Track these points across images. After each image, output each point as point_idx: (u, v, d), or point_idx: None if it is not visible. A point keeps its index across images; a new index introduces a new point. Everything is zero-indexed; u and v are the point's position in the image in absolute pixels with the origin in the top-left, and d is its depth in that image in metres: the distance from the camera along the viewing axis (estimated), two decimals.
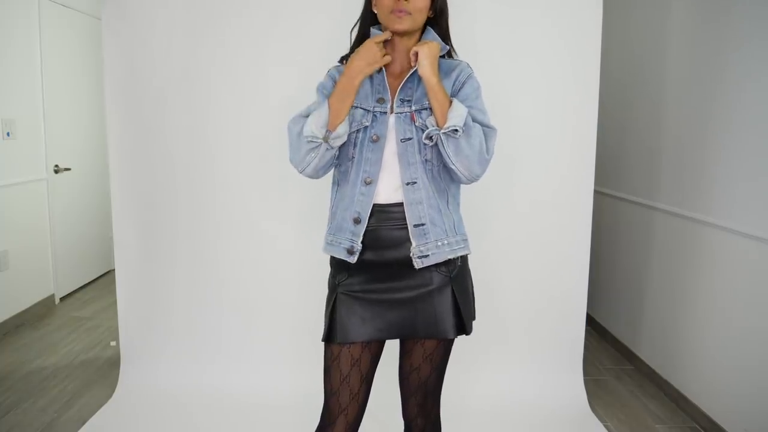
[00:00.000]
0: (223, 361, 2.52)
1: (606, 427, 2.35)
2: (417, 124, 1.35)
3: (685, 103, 2.57)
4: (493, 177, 2.39)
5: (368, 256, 1.38)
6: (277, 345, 2.51)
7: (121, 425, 2.29)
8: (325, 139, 1.32)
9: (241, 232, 2.45)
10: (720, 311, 2.31)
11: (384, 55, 1.35)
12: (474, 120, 1.35)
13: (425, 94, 1.36)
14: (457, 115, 1.30)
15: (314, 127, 1.32)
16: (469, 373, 2.45)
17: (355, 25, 1.47)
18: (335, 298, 1.40)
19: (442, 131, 1.30)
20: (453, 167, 1.35)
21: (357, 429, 1.44)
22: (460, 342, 2.41)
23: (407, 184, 1.35)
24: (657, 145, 2.80)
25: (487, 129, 1.37)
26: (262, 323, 2.50)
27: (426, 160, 1.36)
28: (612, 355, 3.11)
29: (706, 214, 2.38)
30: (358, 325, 1.38)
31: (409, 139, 1.35)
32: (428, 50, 1.31)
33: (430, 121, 1.33)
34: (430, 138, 1.33)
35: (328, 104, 1.33)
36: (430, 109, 1.34)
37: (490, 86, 2.32)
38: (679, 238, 2.60)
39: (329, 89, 1.40)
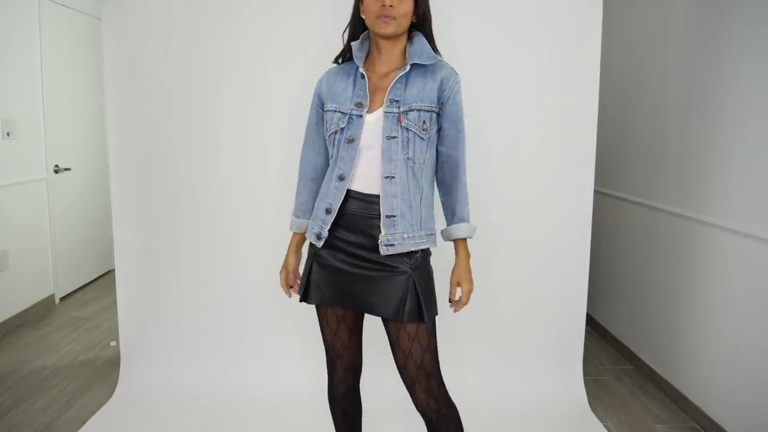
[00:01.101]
0: (222, 362, 2.52)
1: (606, 427, 2.35)
2: (403, 124, 1.46)
3: (685, 102, 2.57)
4: (493, 177, 2.41)
5: (343, 235, 1.52)
6: (277, 345, 2.51)
7: (121, 425, 2.29)
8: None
9: (242, 231, 2.45)
10: (720, 311, 2.31)
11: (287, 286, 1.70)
12: (453, 138, 1.52)
13: (413, 96, 1.46)
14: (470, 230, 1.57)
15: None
16: (469, 373, 2.45)
17: (345, 29, 1.58)
18: (311, 266, 1.57)
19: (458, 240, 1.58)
20: None
21: (357, 370, 1.66)
22: (460, 341, 2.42)
23: (386, 177, 1.46)
24: (657, 145, 2.80)
25: (463, 170, 1.56)
26: (262, 324, 2.50)
27: (408, 158, 1.47)
28: (612, 355, 3.11)
29: (707, 213, 2.38)
30: (327, 291, 1.55)
31: (394, 137, 1.46)
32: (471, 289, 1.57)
33: (448, 233, 1.58)
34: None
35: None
36: (417, 110, 1.45)
37: (490, 86, 2.35)
38: (679, 237, 2.60)
39: (316, 102, 1.60)
